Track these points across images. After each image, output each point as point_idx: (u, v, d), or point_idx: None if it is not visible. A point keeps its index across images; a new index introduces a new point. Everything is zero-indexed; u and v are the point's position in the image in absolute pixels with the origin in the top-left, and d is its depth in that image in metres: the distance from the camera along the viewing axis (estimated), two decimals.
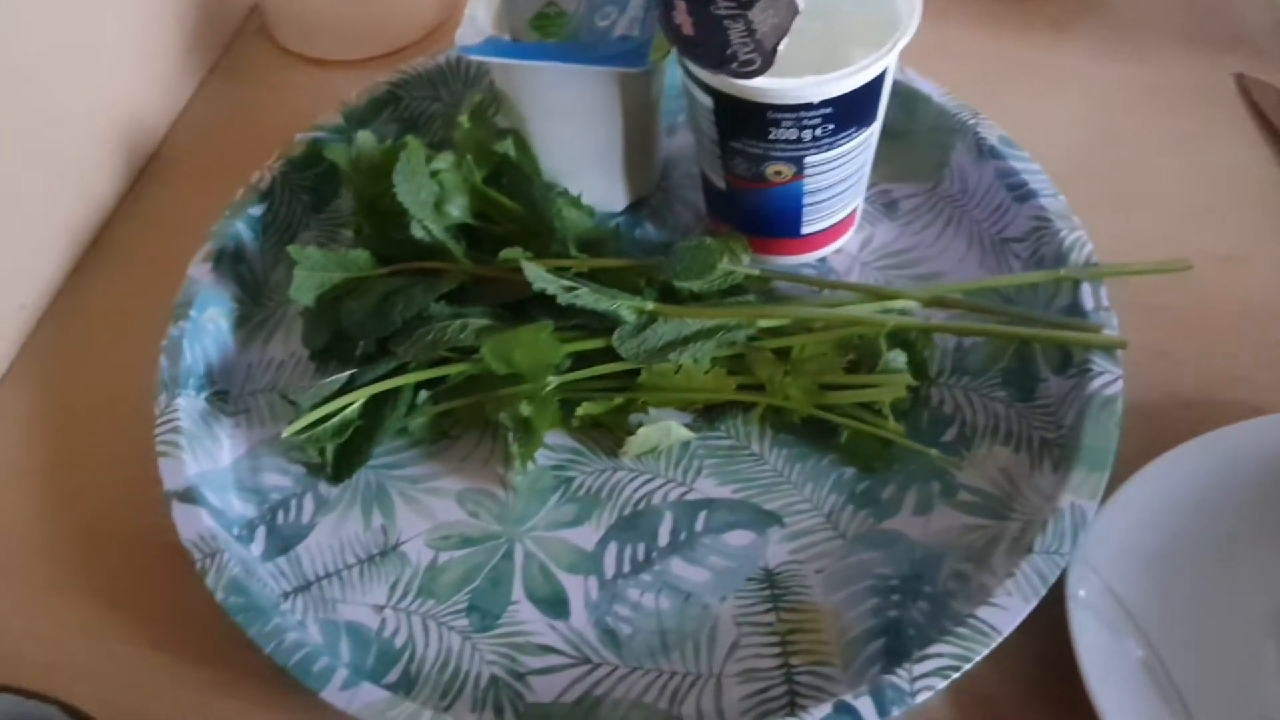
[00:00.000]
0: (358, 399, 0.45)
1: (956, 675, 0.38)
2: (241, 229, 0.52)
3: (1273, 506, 0.43)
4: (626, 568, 0.44)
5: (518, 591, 0.44)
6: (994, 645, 0.39)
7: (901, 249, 0.52)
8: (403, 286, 0.47)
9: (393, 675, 0.42)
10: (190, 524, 0.43)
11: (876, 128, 0.47)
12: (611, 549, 0.44)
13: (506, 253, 0.47)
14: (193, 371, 0.48)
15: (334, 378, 0.46)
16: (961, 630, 0.39)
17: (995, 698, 0.41)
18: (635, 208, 0.55)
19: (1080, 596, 0.40)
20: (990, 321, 0.47)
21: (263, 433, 0.48)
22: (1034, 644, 0.41)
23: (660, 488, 0.46)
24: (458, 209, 0.49)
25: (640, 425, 0.46)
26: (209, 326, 0.50)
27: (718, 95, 0.44)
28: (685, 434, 0.46)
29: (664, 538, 0.45)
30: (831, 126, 0.44)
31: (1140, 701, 0.39)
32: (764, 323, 0.46)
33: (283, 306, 0.52)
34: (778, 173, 0.46)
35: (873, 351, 0.45)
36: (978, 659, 0.38)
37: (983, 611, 0.39)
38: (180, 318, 0.49)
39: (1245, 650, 0.40)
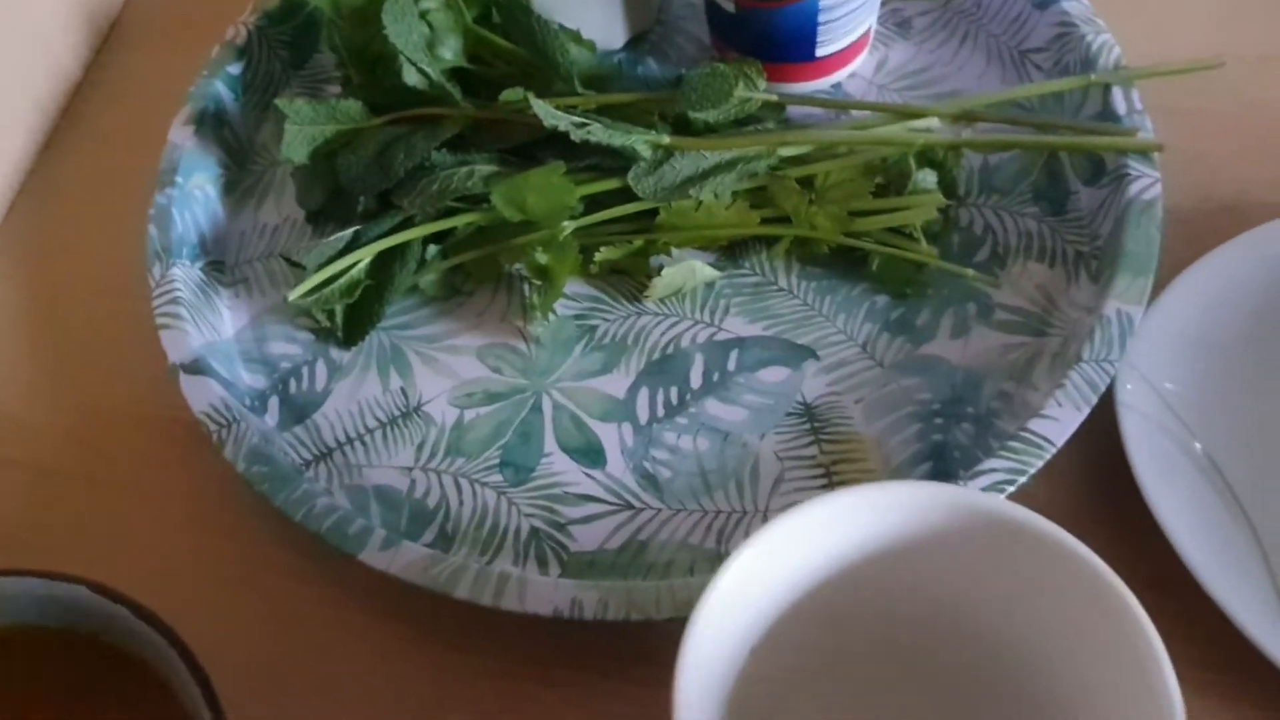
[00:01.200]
0: (364, 257, 0.43)
1: (1011, 489, 0.37)
2: (221, 89, 0.49)
3: None
4: (660, 412, 0.43)
5: (550, 444, 0.42)
6: (1048, 457, 0.38)
7: (918, 69, 0.50)
8: (401, 136, 0.44)
9: (428, 536, 0.40)
10: (201, 396, 0.41)
11: None
12: (643, 394, 0.43)
13: (509, 93, 0.44)
14: (185, 240, 0.45)
15: (337, 236, 0.43)
16: (1014, 444, 0.38)
17: (1048, 513, 0.40)
18: (635, 44, 0.52)
19: (1131, 403, 0.39)
20: (1021, 133, 0.45)
21: (264, 301, 0.46)
22: (1084, 457, 0.40)
23: (688, 330, 0.44)
24: (450, 51, 0.46)
25: (662, 267, 0.44)
26: (196, 194, 0.47)
27: None
28: (710, 273, 0.45)
29: (696, 380, 0.43)
30: None
31: (1196, 503, 0.38)
32: (785, 151, 0.44)
33: (271, 169, 0.49)
34: None
35: (901, 173, 0.44)
36: (1033, 472, 0.38)
37: (1034, 424, 0.38)
38: (166, 185, 0.46)
39: None
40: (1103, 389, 0.39)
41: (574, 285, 0.45)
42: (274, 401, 0.44)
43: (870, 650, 0.34)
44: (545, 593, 0.37)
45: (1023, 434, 0.38)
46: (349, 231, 0.43)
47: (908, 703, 0.34)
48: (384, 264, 0.44)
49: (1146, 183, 0.43)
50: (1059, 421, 0.38)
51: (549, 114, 0.42)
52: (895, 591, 0.32)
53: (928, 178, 0.43)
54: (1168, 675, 0.27)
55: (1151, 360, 0.40)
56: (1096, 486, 0.40)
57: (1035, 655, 0.31)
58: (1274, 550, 0.38)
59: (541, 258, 0.43)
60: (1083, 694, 0.30)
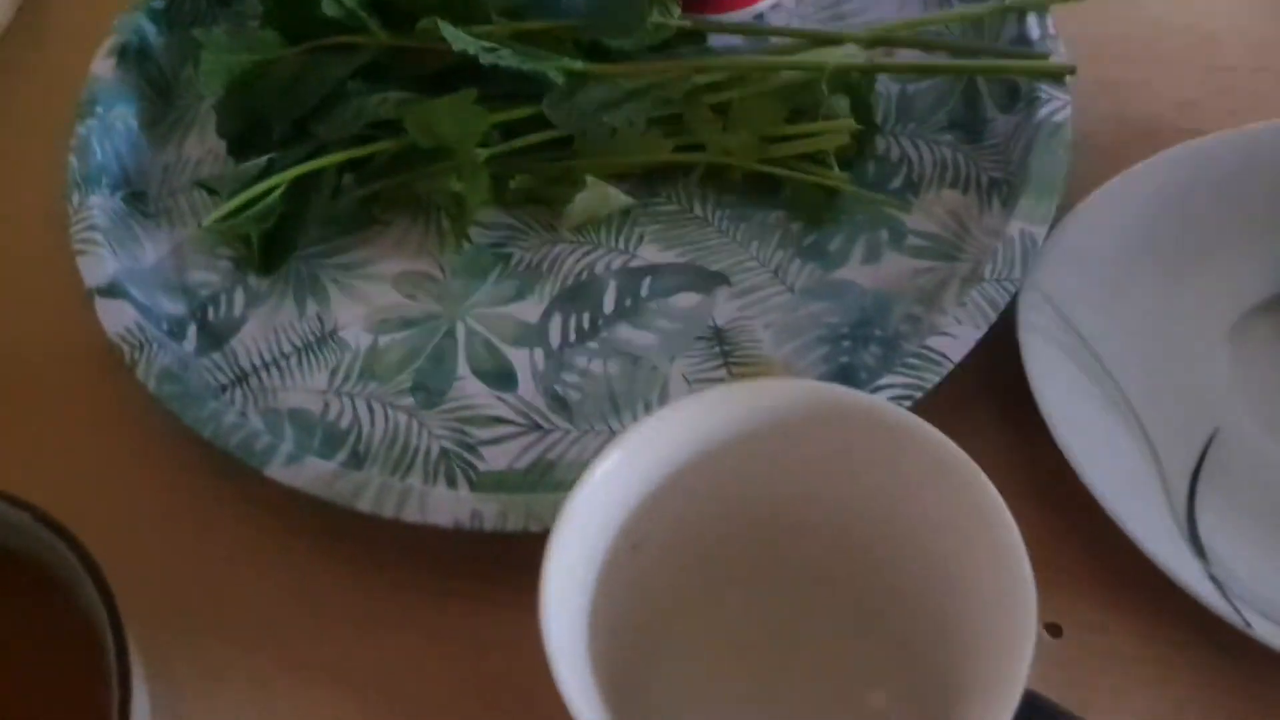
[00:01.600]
0: (279, 183, 0.43)
1: (908, 405, 0.38)
2: (144, 23, 0.49)
3: (1227, 222, 0.42)
4: (573, 337, 0.43)
5: (463, 368, 0.42)
6: (945, 373, 0.38)
7: None
8: (316, 64, 0.44)
9: (340, 457, 0.40)
10: (116, 318, 0.41)
11: None
12: (556, 320, 0.43)
13: (424, 22, 0.44)
14: (105, 170, 0.46)
15: (252, 162, 0.44)
16: (913, 360, 0.38)
17: (953, 434, 0.41)
18: None
19: (1032, 321, 0.39)
20: (936, 59, 0.45)
21: (186, 232, 0.46)
22: (989, 378, 0.40)
23: (602, 258, 0.45)
24: None
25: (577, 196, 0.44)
26: (118, 125, 0.47)
27: None
28: (624, 200, 0.45)
29: (609, 305, 0.43)
30: None
31: (1095, 421, 0.38)
32: (700, 78, 0.44)
33: (196, 104, 0.49)
34: None
35: (814, 99, 0.44)
36: (930, 388, 0.38)
37: (933, 341, 0.39)
38: (87, 115, 0.46)
39: (1199, 365, 0.40)
40: (1002, 306, 0.39)
41: (490, 214, 0.46)
42: (192, 328, 0.44)
43: (754, 557, 0.34)
44: (446, 505, 0.37)
45: (922, 350, 0.38)
46: (264, 159, 0.44)
47: (789, 607, 0.35)
48: (300, 192, 0.44)
49: (1056, 105, 0.43)
50: (957, 339, 0.39)
51: (458, 38, 0.42)
52: (776, 493, 0.33)
53: (840, 103, 0.44)
54: (1022, 561, 0.27)
55: (1056, 280, 0.41)
56: (1000, 406, 0.41)
57: (908, 554, 0.31)
58: (1169, 465, 0.38)
59: (455, 185, 0.43)
60: (951, 589, 0.31)
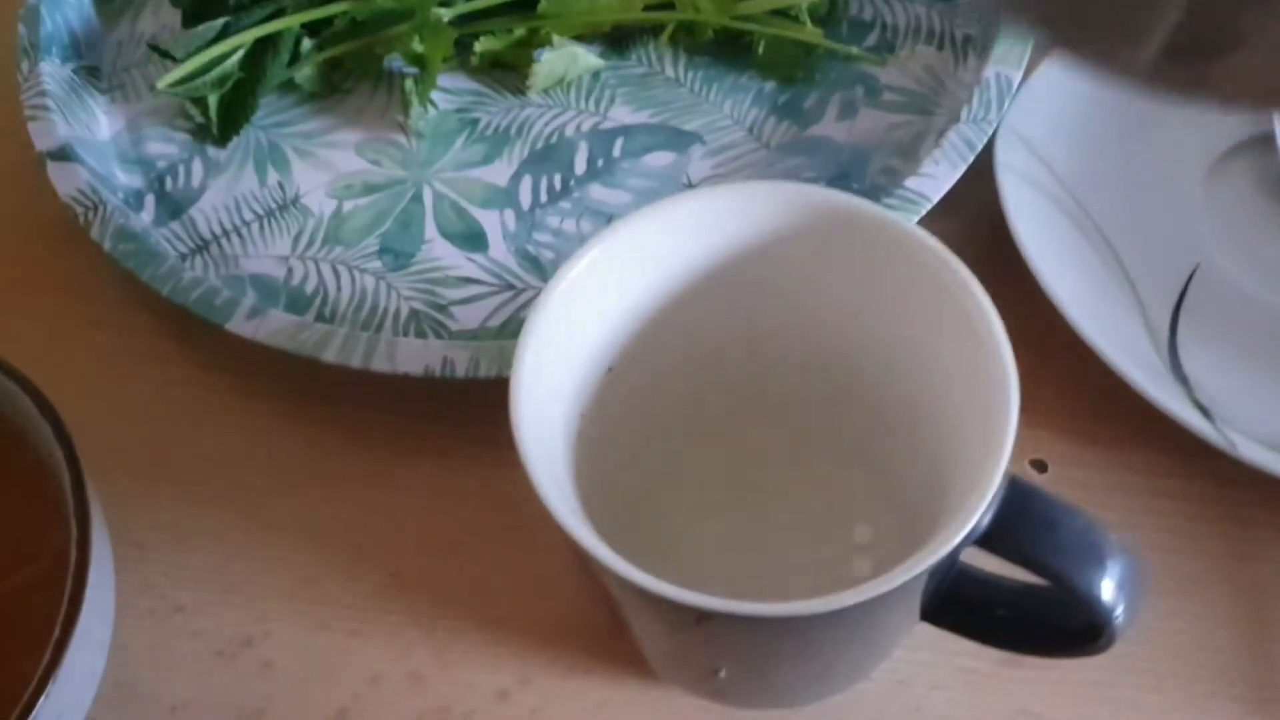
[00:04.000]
0: (236, 45, 0.42)
1: None
2: None
3: None
4: (544, 198, 0.42)
5: (430, 230, 0.41)
6: (923, 212, 0.37)
7: None
8: None
9: (306, 318, 0.39)
10: (67, 180, 0.40)
11: None
12: (526, 182, 0.42)
13: None
14: (55, 39, 0.44)
15: (208, 25, 0.42)
16: (890, 201, 0.37)
17: None
18: None
19: (1009, 163, 0.39)
20: None
21: (141, 105, 0.45)
22: (968, 223, 0.39)
23: (573, 120, 0.43)
24: None
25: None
26: None
27: None
28: (593, 61, 0.44)
29: (581, 166, 0.42)
30: None
31: (1074, 258, 0.38)
32: None
33: None
34: None
35: None
36: None
37: (911, 181, 0.38)
38: None
39: (1178, 205, 0.40)
40: (979, 147, 0.38)
41: (456, 79, 0.44)
42: (150, 199, 0.43)
43: (734, 398, 0.34)
44: (416, 352, 0.36)
45: (899, 191, 0.38)
46: (220, 22, 0.42)
47: (773, 445, 0.34)
48: (257, 56, 0.43)
49: None
50: (935, 179, 0.38)
51: None
52: (754, 319, 0.32)
53: None
54: (1003, 348, 0.27)
55: (1032, 123, 0.40)
56: (980, 251, 0.39)
57: (891, 377, 0.31)
58: (1149, 300, 0.38)
59: (417, 46, 0.42)
60: (933, 409, 0.30)
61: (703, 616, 0.25)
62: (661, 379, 0.32)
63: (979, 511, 0.25)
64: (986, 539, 0.26)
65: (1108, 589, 0.26)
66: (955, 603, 0.29)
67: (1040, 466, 0.36)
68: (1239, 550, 0.35)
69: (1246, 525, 0.35)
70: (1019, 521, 0.26)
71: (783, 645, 0.27)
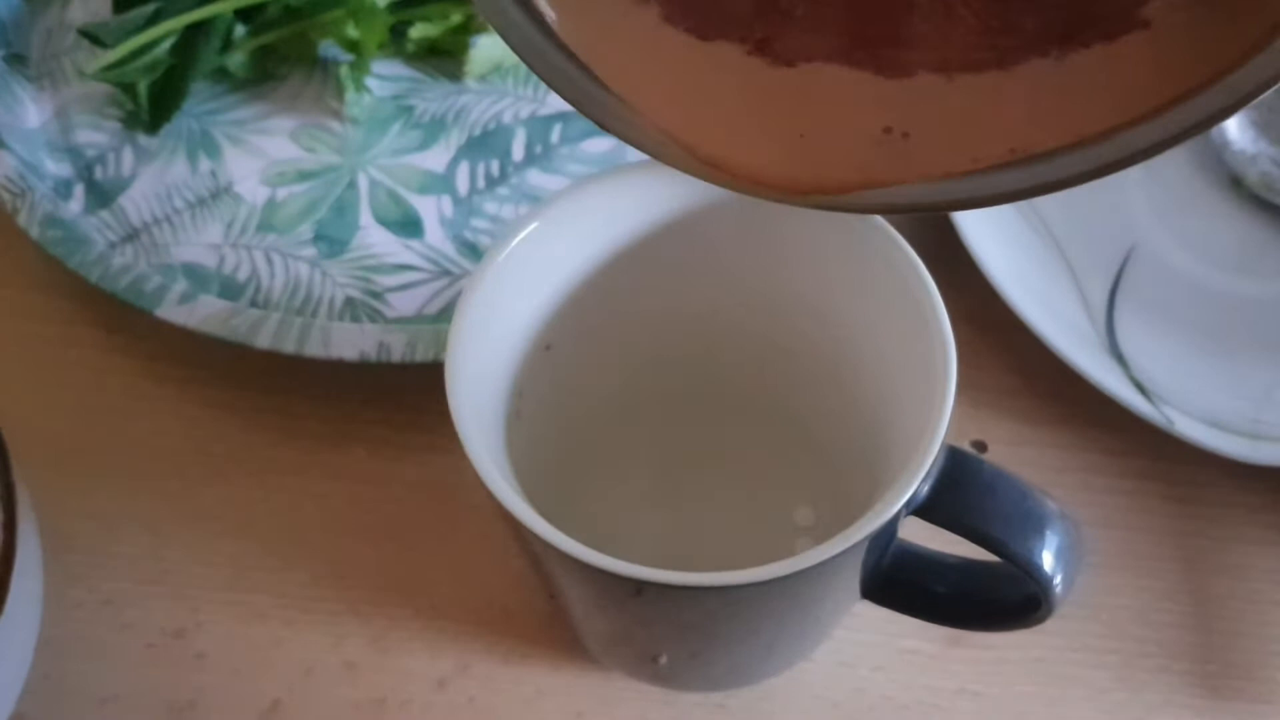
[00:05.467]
0: (169, 31, 0.41)
1: None
2: None
3: None
4: (481, 184, 0.41)
5: (366, 217, 0.41)
6: None
7: None
8: None
9: (239, 304, 0.39)
10: None
11: None
12: (463, 168, 0.42)
13: None
14: None
15: (139, 10, 0.41)
16: None
17: None
18: None
19: None
20: None
21: (70, 93, 0.44)
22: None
23: (510, 106, 0.43)
24: None
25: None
26: None
27: None
28: None
29: (518, 153, 0.42)
30: None
31: (1012, 241, 0.38)
32: None
33: None
34: None
35: None
36: None
37: None
38: None
39: (1112, 184, 0.40)
40: None
41: (392, 66, 0.44)
42: (79, 188, 0.41)
43: (673, 379, 0.33)
44: (351, 337, 0.35)
45: None
46: (151, 7, 0.42)
47: (713, 426, 0.34)
48: (188, 43, 0.42)
49: None
50: None
51: None
52: (686, 275, 0.31)
53: None
54: (939, 313, 0.27)
55: None
56: (921, 235, 0.40)
57: (822, 326, 0.31)
58: (1086, 282, 0.38)
59: (352, 31, 0.42)
60: (875, 385, 0.30)
61: (641, 587, 0.24)
62: (600, 358, 0.32)
63: (917, 479, 0.25)
64: (926, 508, 0.26)
65: (1047, 558, 0.26)
66: (895, 580, 0.29)
67: (980, 447, 0.36)
68: (1179, 526, 0.35)
69: (1185, 502, 0.36)
70: (957, 490, 0.26)
71: (722, 621, 0.27)
